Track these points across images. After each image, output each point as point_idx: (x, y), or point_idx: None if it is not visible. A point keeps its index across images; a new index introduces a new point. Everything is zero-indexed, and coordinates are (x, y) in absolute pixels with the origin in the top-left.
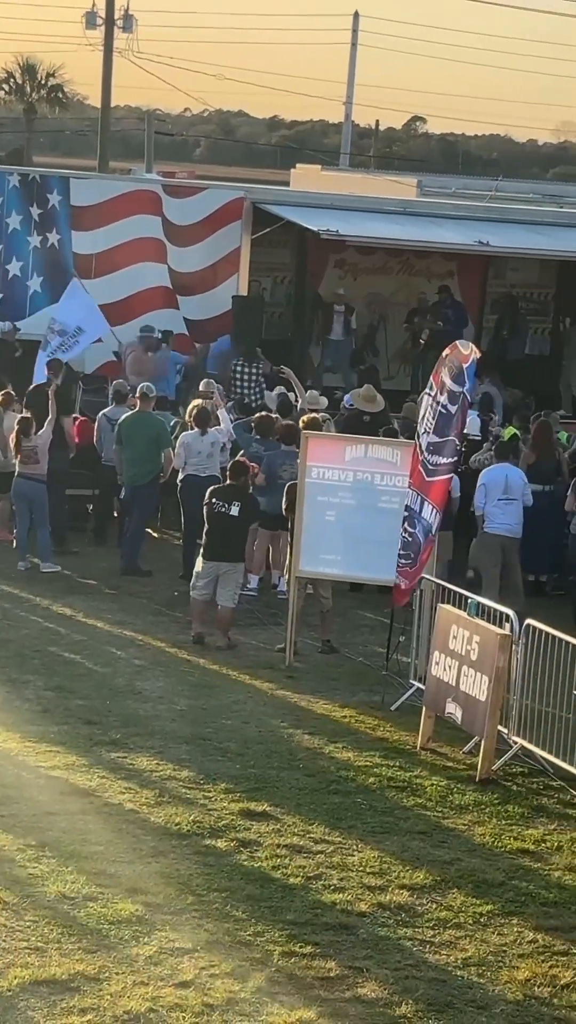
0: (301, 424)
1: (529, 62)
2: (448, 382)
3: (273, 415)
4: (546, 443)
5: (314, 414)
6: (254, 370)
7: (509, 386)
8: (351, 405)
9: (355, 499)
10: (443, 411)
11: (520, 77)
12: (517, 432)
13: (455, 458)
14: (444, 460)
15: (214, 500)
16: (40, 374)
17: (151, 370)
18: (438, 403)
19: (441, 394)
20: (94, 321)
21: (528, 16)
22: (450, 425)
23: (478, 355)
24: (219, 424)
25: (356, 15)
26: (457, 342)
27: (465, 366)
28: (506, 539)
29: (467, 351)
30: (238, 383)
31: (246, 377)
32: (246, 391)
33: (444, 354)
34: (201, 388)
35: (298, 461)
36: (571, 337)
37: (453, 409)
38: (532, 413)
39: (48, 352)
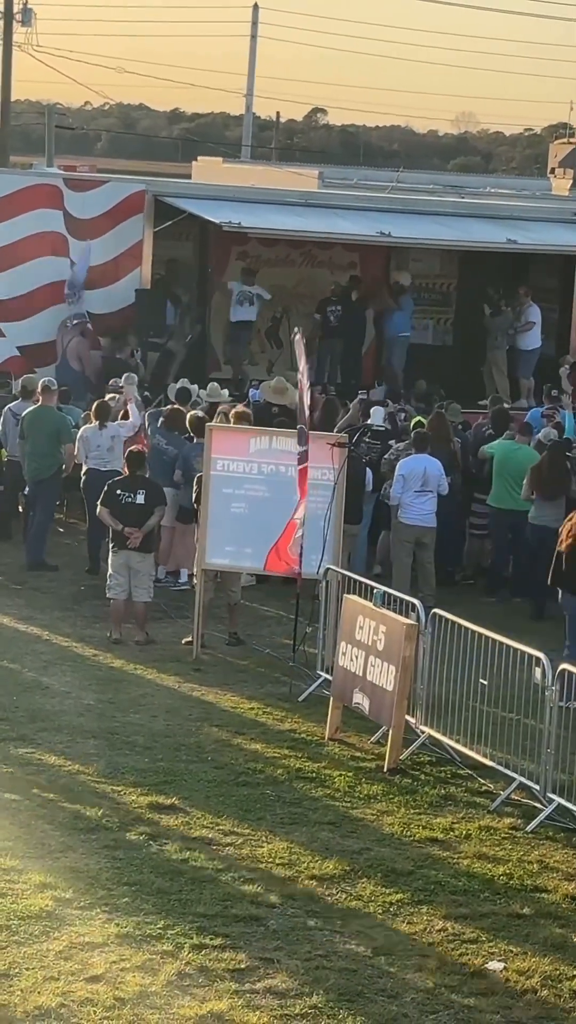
0: (232, 418)
1: (429, 53)
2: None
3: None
4: (441, 435)
5: (243, 408)
6: None
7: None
8: (258, 399)
9: (260, 491)
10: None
11: (420, 68)
12: (422, 420)
13: (306, 447)
14: (302, 448)
15: (118, 492)
16: None
17: (87, 357)
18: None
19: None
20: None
21: (427, 7)
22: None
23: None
24: (127, 418)
25: (256, 7)
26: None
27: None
28: (421, 529)
29: (296, 337)
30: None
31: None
32: None
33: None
34: (121, 382)
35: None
36: (491, 326)
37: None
38: (443, 401)
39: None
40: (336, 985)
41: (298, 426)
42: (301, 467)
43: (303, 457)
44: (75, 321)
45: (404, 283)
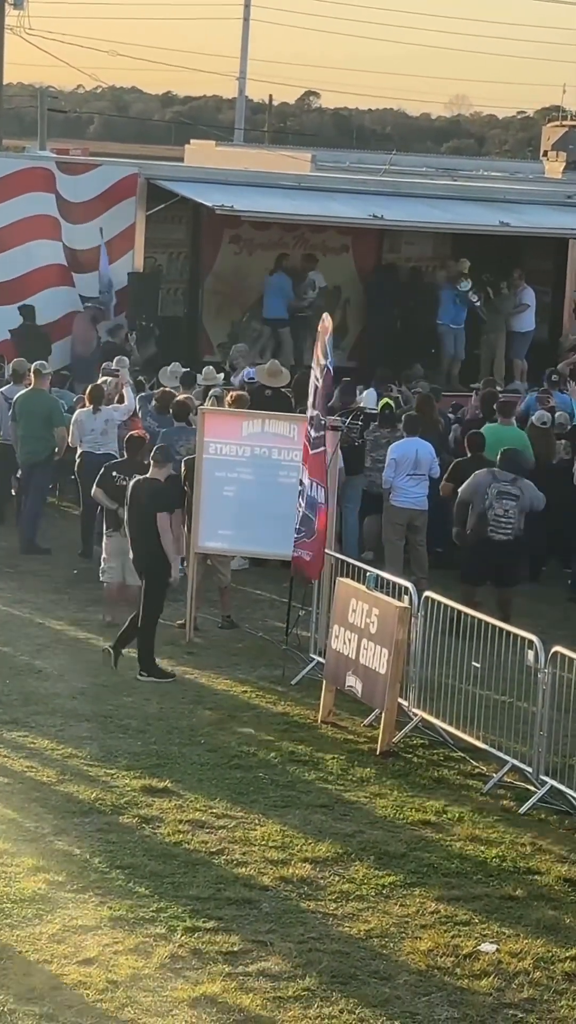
0: (228, 401)
1: (422, 36)
2: (319, 356)
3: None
4: (428, 416)
5: (240, 392)
6: None
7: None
8: (252, 379)
9: (253, 474)
10: (318, 385)
11: (413, 51)
12: (390, 402)
13: (321, 432)
14: (318, 433)
15: (114, 474)
16: None
17: (90, 339)
18: (317, 378)
19: (316, 368)
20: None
21: None
22: (320, 398)
23: (331, 326)
24: (122, 402)
25: None
26: (324, 314)
27: (325, 338)
28: (413, 512)
29: (326, 323)
30: None
31: None
32: None
33: (319, 328)
34: (114, 365)
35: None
36: (499, 307)
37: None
38: (418, 382)
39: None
40: (329, 967)
41: (311, 413)
42: (316, 452)
43: (318, 442)
44: (87, 305)
45: (463, 270)
